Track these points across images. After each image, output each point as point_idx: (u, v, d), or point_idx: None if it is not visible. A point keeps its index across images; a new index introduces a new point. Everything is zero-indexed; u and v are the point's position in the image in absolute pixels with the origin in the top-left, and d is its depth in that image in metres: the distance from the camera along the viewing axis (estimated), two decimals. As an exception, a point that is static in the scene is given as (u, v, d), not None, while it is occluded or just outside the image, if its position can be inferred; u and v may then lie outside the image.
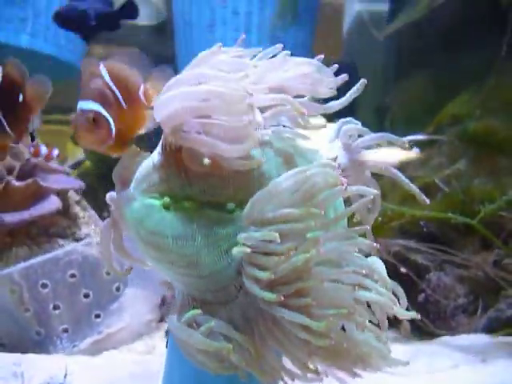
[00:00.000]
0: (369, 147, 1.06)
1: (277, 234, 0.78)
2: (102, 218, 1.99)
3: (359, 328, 0.85)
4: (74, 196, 2.00)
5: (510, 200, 1.35)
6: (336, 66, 0.95)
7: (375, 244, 0.82)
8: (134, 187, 0.89)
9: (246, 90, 0.81)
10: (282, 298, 0.78)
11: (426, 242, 1.79)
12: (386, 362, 0.94)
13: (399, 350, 1.54)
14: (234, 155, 0.80)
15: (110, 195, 0.95)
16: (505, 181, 1.38)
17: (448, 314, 1.78)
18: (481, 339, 1.52)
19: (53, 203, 1.67)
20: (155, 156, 0.89)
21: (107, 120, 0.91)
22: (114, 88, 0.94)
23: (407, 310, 0.93)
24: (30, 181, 1.70)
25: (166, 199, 0.86)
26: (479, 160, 1.57)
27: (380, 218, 1.47)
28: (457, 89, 1.83)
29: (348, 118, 1.08)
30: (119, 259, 0.97)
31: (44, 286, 1.50)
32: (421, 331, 1.68)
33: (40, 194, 1.71)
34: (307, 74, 0.91)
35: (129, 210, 0.87)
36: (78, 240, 1.72)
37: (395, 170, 1.04)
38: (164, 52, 3.13)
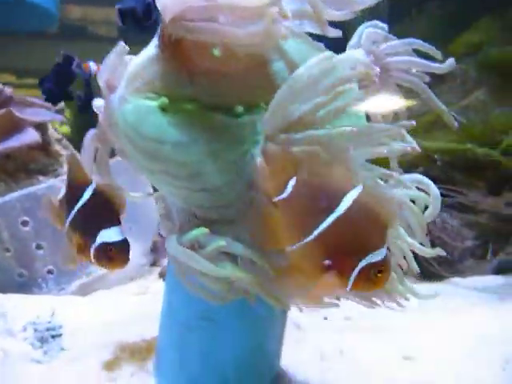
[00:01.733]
0: (395, 54, 0.92)
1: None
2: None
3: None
4: (54, 134, 1.83)
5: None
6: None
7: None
8: (124, 87, 0.74)
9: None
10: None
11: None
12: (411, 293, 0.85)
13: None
14: (249, 38, 0.65)
15: (96, 102, 0.81)
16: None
17: (456, 257, 1.71)
18: (495, 280, 1.46)
19: (30, 136, 1.51)
20: (151, 49, 0.74)
21: None
22: None
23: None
24: (2, 111, 1.53)
25: (164, 99, 0.72)
26: (502, 89, 1.43)
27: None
28: (471, 18, 1.67)
29: (373, 21, 0.93)
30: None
31: (24, 223, 1.36)
32: (428, 274, 1.61)
33: (15, 127, 1.55)
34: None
35: (120, 114, 0.73)
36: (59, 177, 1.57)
37: (423, 85, 0.91)
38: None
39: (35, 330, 1.01)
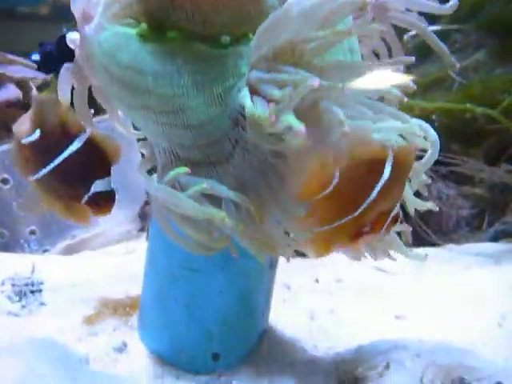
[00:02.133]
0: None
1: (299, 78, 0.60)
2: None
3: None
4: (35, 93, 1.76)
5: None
6: None
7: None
8: (100, 14, 0.69)
9: None
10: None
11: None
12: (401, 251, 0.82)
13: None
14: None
15: (71, 35, 0.76)
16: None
17: (450, 226, 1.68)
18: (491, 246, 1.43)
19: (11, 92, 1.45)
20: (128, -30, 0.68)
21: None
22: None
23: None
24: (-17, 66, 1.46)
25: (144, 25, 0.67)
26: (502, 50, 1.38)
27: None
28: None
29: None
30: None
31: (5, 181, 1.31)
32: (422, 242, 1.58)
33: (-4, 82, 1.48)
34: None
35: (96, 43, 0.68)
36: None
37: (424, 25, 0.86)
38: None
39: (13, 285, 0.97)
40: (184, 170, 0.69)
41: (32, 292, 0.97)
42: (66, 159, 0.73)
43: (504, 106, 1.25)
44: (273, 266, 0.90)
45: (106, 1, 0.68)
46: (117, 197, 1.52)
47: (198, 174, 0.70)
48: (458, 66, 0.82)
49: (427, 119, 1.47)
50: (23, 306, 0.93)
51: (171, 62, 0.66)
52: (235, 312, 0.86)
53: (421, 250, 1.39)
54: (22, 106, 1.50)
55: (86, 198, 0.74)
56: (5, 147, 1.30)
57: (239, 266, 0.83)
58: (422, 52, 1.57)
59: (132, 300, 1.03)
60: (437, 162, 1.78)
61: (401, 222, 0.79)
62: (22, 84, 1.55)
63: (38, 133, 0.74)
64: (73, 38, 0.75)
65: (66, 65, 0.75)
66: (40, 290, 0.99)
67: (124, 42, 0.66)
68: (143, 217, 1.84)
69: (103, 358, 0.84)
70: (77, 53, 0.75)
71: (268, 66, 0.63)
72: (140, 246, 1.42)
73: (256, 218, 0.69)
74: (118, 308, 0.98)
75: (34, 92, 1.71)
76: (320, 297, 1.15)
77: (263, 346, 0.90)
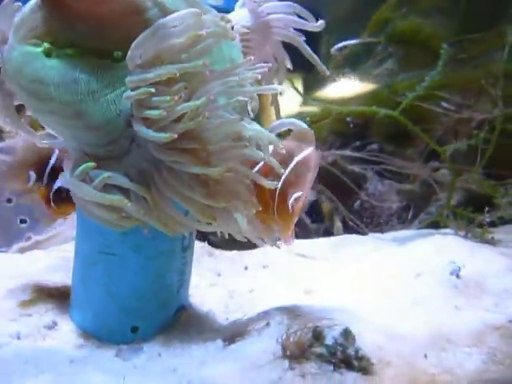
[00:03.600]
0: (275, 12, 1.03)
1: (165, 72, 0.74)
2: None
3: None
4: None
5: (427, 86, 1.36)
6: None
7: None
8: (12, 37, 0.83)
9: None
10: (176, 136, 0.75)
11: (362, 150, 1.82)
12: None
13: (324, 240, 1.58)
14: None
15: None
16: (426, 73, 1.39)
17: (382, 219, 1.83)
18: (405, 232, 1.58)
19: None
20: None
21: None
22: None
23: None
24: None
25: (46, 45, 0.80)
26: (405, 58, 1.57)
27: (308, 118, 1.46)
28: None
29: (257, -17, 1.03)
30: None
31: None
32: (354, 232, 1.72)
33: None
34: None
35: (8, 61, 0.82)
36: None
37: (300, 39, 1.02)
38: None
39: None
40: (91, 165, 0.82)
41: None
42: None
43: (403, 106, 1.41)
44: (186, 248, 1.03)
45: (15, 24, 0.82)
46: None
47: (105, 167, 0.83)
48: (328, 73, 0.97)
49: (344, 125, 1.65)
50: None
51: (70, 73, 0.79)
52: (150, 289, 0.98)
53: (339, 238, 1.55)
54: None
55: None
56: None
57: (152, 249, 0.97)
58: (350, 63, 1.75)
59: (69, 288, 1.14)
60: (372, 161, 1.95)
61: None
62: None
63: None
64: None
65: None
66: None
67: (30, 59, 0.80)
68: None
69: (34, 334, 0.96)
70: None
71: (140, 71, 0.78)
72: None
73: (151, 204, 0.83)
74: (53, 295, 1.10)
75: None
76: (245, 280, 1.28)
77: (180, 321, 1.03)
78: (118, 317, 0.97)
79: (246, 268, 1.39)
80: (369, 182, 1.90)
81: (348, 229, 1.75)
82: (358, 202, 1.84)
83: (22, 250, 1.50)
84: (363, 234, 1.71)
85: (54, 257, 1.31)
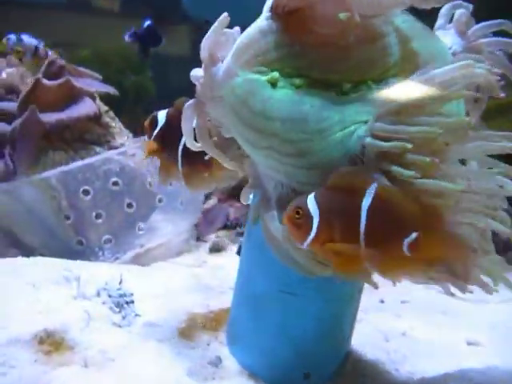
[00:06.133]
0: (485, 35, 0.92)
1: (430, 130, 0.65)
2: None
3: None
4: (101, 106, 1.84)
5: None
6: None
7: None
8: (233, 60, 0.74)
9: None
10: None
11: None
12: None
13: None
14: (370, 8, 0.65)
15: (194, 72, 0.81)
16: None
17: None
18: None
19: (89, 106, 1.52)
20: (261, 22, 0.74)
21: None
22: None
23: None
24: (62, 80, 1.53)
25: (275, 74, 0.72)
26: None
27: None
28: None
29: (457, 1, 0.93)
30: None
31: (86, 192, 1.38)
32: None
33: (73, 96, 1.55)
34: None
35: (228, 87, 0.74)
36: (113, 149, 1.58)
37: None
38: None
39: (110, 296, 1.03)
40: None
41: (127, 303, 1.03)
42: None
43: None
44: (360, 291, 0.96)
45: (238, 48, 0.74)
46: (181, 209, 1.58)
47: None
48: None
49: None
50: (123, 317, 0.99)
51: (298, 108, 0.71)
52: (328, 332, 0.91)
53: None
54: (95, 120, 1.57)
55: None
56: (85, 161, 1.38)
57: (334, 291, 0.89)
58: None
59: (215, 314, 1.09)
60: None
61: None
62: (90, 96, 1.62)
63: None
64: (196, 74, 0.80)
65: (189, 103, 0.81)
66: (132, 301, 1.06)
67: (256, 89, 0.72)
68: (198, 225, 1.91)
69: (203, 373, 0.90)
70: (198, 90, 0.81)
71: (391, 120, 0.69)
72: (208, 258, 1.49)
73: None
74: (204, 322, 1.05)
75: (98, 102, 1.78)
76: (388, 318, 1.20)
77: (348, 367, 0.96)
78: (293, 361, 0.91)
79: (382, 301, 1.30)
80: None
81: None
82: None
83: (136, 257, 1.46)
84: None
85: (184, 275, 1.26)
